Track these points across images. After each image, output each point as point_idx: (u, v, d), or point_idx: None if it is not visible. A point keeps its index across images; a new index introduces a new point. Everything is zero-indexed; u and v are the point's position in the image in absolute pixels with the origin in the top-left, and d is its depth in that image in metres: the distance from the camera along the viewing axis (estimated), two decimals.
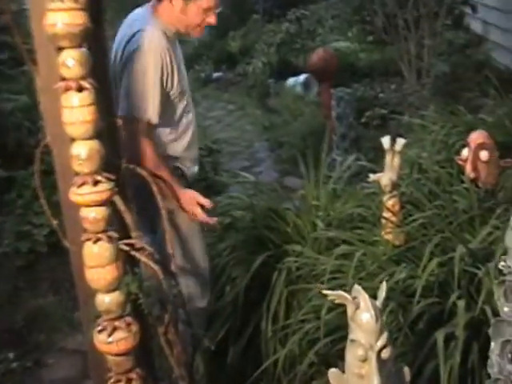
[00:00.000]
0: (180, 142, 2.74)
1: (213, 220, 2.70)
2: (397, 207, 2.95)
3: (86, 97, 1.52)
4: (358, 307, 1.68)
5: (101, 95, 1.67)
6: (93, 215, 1.60)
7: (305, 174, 3.56)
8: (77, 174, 1.58)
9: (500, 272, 1.76)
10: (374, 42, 8.20)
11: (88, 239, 1.63)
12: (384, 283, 1.73)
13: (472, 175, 3.14)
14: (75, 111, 1.52)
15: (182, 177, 2.74)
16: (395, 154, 2.92)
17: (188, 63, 4.05)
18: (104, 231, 1.63)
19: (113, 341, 1.69)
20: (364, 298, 1.68)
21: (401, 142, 2.91)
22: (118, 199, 1.74)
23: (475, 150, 3.16)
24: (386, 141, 2.93)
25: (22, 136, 4.67)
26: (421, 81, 6.77)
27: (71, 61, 1.49)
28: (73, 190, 1.58)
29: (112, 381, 1.74)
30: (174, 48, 2.67)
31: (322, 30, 8.98)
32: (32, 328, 3.77)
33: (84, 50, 1.51)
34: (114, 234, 1.65)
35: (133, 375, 1.76)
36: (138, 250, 1.78)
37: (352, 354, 1.70)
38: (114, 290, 1.67)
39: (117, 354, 1.72)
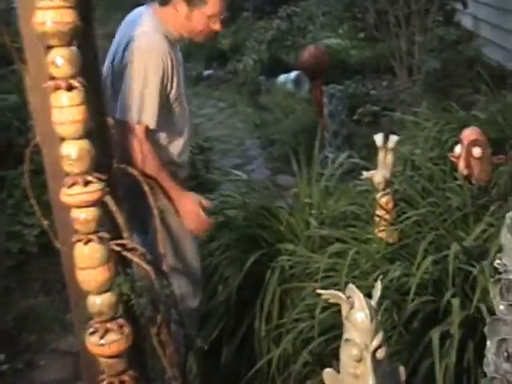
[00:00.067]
0: (175, 145, 2.71)
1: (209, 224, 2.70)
2: (390, 205, 2.94)
3: (76, 96, 1.50)
4: (352, 306, 1.67)
5: (91, 94, 1.66)
6: (84, 216, 1.58)
7: (297, 172, 3.55)
8: (67, 174, 1.56)
9: (495, 270, 1.74)
10: (365, 38, 8.19)
11: (79, 240, 1.61)
12: (379, 282, 1.72)
13: (465, 172, 3.13)
14: (65, 111, 1.50)
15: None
16: (388, 152, 2.91)
17: None
18: (95, 232, 1.61)
19: (105, 343, 1.67)
20: (359, 297, 1.67)
21: (394, 139, 2.89)
22: (109, 199, 1.72)
23: (468, 147, 3.16)
24: (378, 138, 2.92)
25: (12, 135, 4.63)
26: (412, 77, 6.77)
27: (60, 60, 1.47)
28: (63, 191, 1.56)
29: (104, 383, 1.72)
30: (174, 51, 2.64)
31: (313, 27, 8.97)
32: (23, 329, 3.74)
33: (73, 48, 1.49)
34: (106, 235, 1.63)
35: (125, 377, 1.75)
36: (129, 250, 1.77)
37: (347, 354, 1.69)
38: (105, 292, 1.65)
39: (109, 357, 1.70)
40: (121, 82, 2.52)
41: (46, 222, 1.93)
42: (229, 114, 7.58)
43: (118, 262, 1.73)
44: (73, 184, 1.55)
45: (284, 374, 2.72)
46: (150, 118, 2.52)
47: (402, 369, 1.77)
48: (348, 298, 1.69)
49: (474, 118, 4.04)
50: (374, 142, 2.97)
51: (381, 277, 1.87)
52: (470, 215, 2.88)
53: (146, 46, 2.53)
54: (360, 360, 1.66)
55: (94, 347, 1.68)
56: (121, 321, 1.70)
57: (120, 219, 1.80)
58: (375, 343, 1.66)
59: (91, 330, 1.69)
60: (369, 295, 1.67)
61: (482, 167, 3.15)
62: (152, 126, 2.53)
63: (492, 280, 1.73)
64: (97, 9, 7.22)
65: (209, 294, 3.07)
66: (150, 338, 1.87)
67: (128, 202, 1.98)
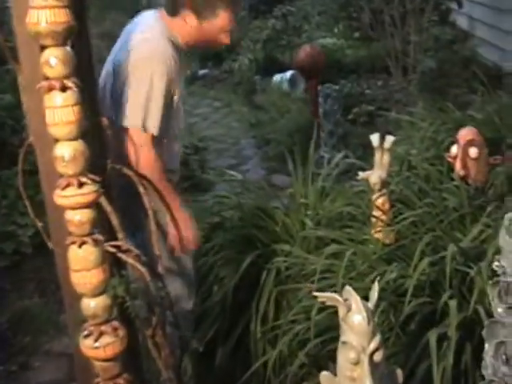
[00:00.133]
0: (171, 151, 2.70)
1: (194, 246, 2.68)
2: (386, 205, 2.93)
3: (70, 96, 1.48)
4: (349, 309, 1.66)
5: (86, 94, 1.64)
6: (78, 218, 1.56)
7: (292, 172, 3.53)
8: (61, 175, 1.54)
9: (494, 272, 1.73)
10: (361, 38, 8.20)
11: (73, 242, 1.59)
12: (376, 284, 1.70)
13: (462, 172, 3.12)
14: (59, 111, 1.49)
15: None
16: (384, 152, 2.89)
17: None
18: (89, 234, 1.59)
19: (99, 346, 1.65)
20: (356, 299, 1.66)
21: (390, 139, 2.88)
22: (103, 200, 1.71)
23: (464, 147, 3.14)
24: (374, 138, 2.90)
25: (6, 135, 4.61)
26: (407, 77, 6.77)
27: (54, 60, 1.45)
28: (57, 193, 1.54)
29: None
30: (178, 57, 2.62)
31: (309, 27, 8.97)
32: (17, 330, 3.71)
33: (67, 48, 1.47)
34: (100, 237, 1.62)
35: (120, 381, 1.73)
36: (124, 251, 1.75)
37: (344, 357, 1.68)
38: (100, 294, 1.64)
39: (104, 360, 1.69)
40: (122, 87, 2.48)
41: (40, 224, 1.92)
42: (224, 113, 7.57)
43: (113, 264, 1.72)
44: (67, 186, 1.54)
45: (280, 375, 2.71)
46: (154, 125, 2.49)
47: (399, 371, 1.76)
48: (345, 300, 1.68)
49: (470, 118, 4.02)
50: (369, 142, 2.96)
51: (378, 278, 1.85)
52: (467, 216, 2.87)
53: (150, 52, 2.49)
54: (357, 363, 1.65)
55: (89, 350, 1.67)
56: (115, 323, 1.68)
57: (114, 220, 1.79)
58: (372, 346, 1.65)
59: (85, 332, 1.68)
60: (366, 297, 1.66)
61: (479, 168, 3.14)
62: (156, 133, 2.50)
63: (490, 282, 1.71)
64: (91, 8, 7.21)
65: (203, 294, 3.05)
66: (145, 340, 1.86)
67: (121, 203, 1.97)
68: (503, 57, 6.65)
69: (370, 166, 3.04)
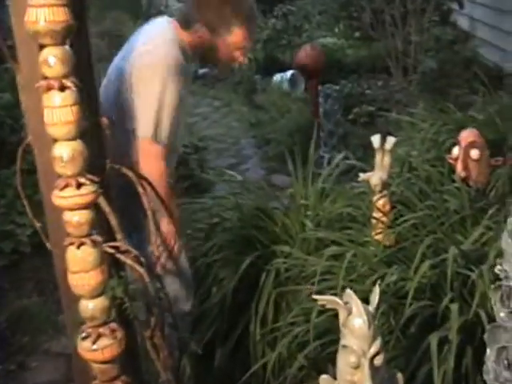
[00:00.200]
0: (170, 160, 2.68)
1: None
2: (387, 207, 2.91)
3: (69, 96, 1.46)
4: (350, 313, 1.64)
5: (85, 94, 1.63)
6: (76, 219, 1.54)
7: (292, 172, 3.51)
8: (59, 176, 1.52)
9: (496, 276, 1.71)
10: (361, 38, 8.19)
11: (71, 243, 1.57)
12: (377, 287, 1.69)
13: (463, 174, 3.10)
14: (57, 111, 1.46)
15: None
16: (385, 153, 2.88)
17: None
18: (88, 235, 1.57)
19: (97, 348, 1.63)
20: (356, 303, 1.64)
21: (391, 140, 2.86)
22: (102, 201, 1.69)
23: (466, 149, 3.13)
24: (375, 140, 2.88)
25: (5, 134, 4.59)
26: (408, 77, 6.76)
27: (53, 59, 1.43)
28: (55, 193, 1.52)
29: None
30: (188, 68, 2.61)
31: (309, 26, 8.95)
32: (16, 329, 3.70)
33: (66, 47, 1.45)
34: (98, 238, 1.60)
35: (118, 383, 1.71)
36: (123, 252, 1.74)
37: (344, 361, 1.67)
38: (98, 296, 1.62)
39: (102, 362, 1.67)
40: (131, 93, 2.46)
41: (38, 224, 1.90)
42: (224, 112, 7.56)
43: (112, 265, 1.71)
44: (65, 186, 1.51)
45: (279, 378, 2.69)
46: (165, 135, 2.48)
47: (399, 375, 1.75)
48: (345, 303, 1.66)
49: (471, 119, 4.01)
50: (369, 142, 2.94)
51: (379, 282, 1.83)
52: (468, 218, 2.85)
53: (163, 61, 2.46)
54: (357, 367, 1.64)
55: (86, 352, 1.65)
56: (113, 325, 1.67)
57: (113, 221, 1.77)
58: (373, 350, 1.63)
59: (83, 334, 1.66)
60: (366, 299, 1.64)
61: (480, 169, 3.12)
62: (165, 143, 2.49)
63: (492, 287, 1.70)
64: (91, 7, 7.19)
65: (202, 295, 3.03)
66: (143, 342, 1.85)
67: (119, 203, 1.95)
68: (504, 57, 6.64)
69: (371, 167, 3.03)
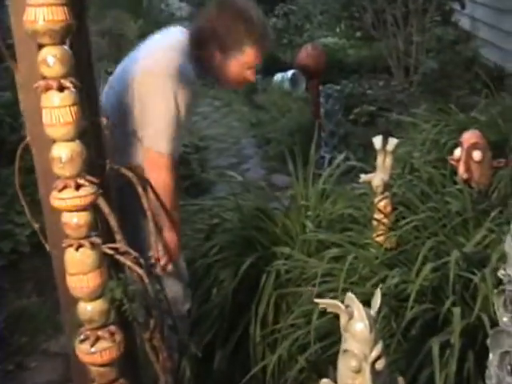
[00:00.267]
0: None
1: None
2: (388, 209, 2.89)
3: (68, 96, 1.45)
4: (351, 317, 1.63)
5: (84, 94, 1.61)
6: (75, 220, 1.53)
7: (293, 172, 3.49)
8: (58, 177, 1.51)
9: (499, 281, 1.70)
10: (363, 37, 8.18)
11: (70, 245, 1.56)
12: (378, 291, 1.67)
13: (465, 176, 3.09)
14: (56, 111, 1.45)
15: None
16: (387, 154, 2.86)
17: None
18: (86, 237, 1.56)
19: (96, 351, 1.62)
20: (358, 307, 1.63)
21: (393, 142, 2.84)
22: (102, 201, 1.68)
23: (468, 150, 3.11)
24: (377, 141, 2.86)
25: (4, 133, 4.57)
26: (409, 78, 6.75)
27: (51, 59, 1.41)
28: (54, 195, 1.51)
29: None
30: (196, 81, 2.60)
31: (310, 26, 8.93)
32: (15, 329, 3.68)
33: (65, 47, 1.43)
34: (97, 240, 1.58)
35: None
36: (122, 253, 1.72)
37: (345, 365, 1.65)
38: (96, 298, 1.61)
39: (100, 365, 1.66)
40: (138, 101, 2.44)
41: (36, 225, 1.89)
42: (224, 112, 7.54)
43: (111, 266, 1.70)
44: (64, 187, 1.50)
45: (279, 380, 2.68)
46: (176, 147, 2.46)
47: (401, 379, 1.73)
48: (346, 307, 1.65)
49: (473, 121, 3.99)
50: (370, 143, 2.92)
51: (380, 284, 1.82)
52: (470, 220, 2.83)
53: (174, 72, 2.44)
54: (359, 371, 1.62)
55: (85, 355, 1.64)
56: (112, 328, 1.65)
57: (113, 222, 1.76)
58: (374, 354, 1.62)
59: (82, 337, 1.64)
60: (367, 302, 1.63)
61: (482, 171, 3.10)
62: (176, 155, 2.48)
63: (496, 291, 1.68)
64: (91, 6, 7.17)
65: (202, 297, 3.01)
66: (142, 344, 1.83)
67: (119, 204, 1.94)
68: (505, 58, 6.63)
69: (372, 168, 3.01)
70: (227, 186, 3.89)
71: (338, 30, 8.78)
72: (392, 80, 7.01)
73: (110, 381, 1.69)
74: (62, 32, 1.41)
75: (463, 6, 7.12)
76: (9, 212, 4.25)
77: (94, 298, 1.60)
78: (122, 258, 1.71)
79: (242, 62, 2.55)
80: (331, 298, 2.50)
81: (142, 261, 1.73)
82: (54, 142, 1.48)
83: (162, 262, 2.44)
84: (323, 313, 2.42)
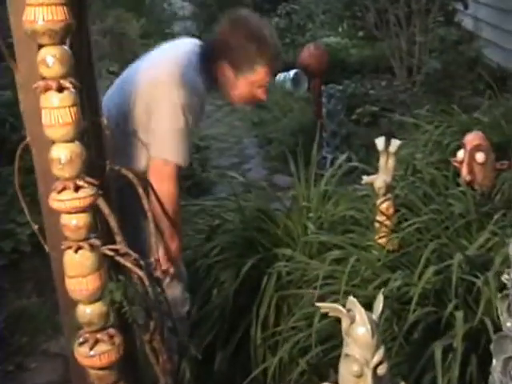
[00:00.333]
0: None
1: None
2: (391, 210, 2.87)
3: (67, 97, 1.43)
4: (353, 321, 1.61)
5: (85, 94, 1.59)
6: (74, 222, 1.51)
7: (294, 173, 3.47)
8: (57, 178, 1.49)
9: (502, 284, 1.68)
10: (365, 37, 8.15)
11: (68, 247, 1.54)
12: (380, 295, 1.66)
13: (468, 178, 3.06)
14: (55, 112, 1.43)
15: None
16: (389, 156, 2.84)
17: None
18: (86, 239, 1.54)
19: (95, 354, 1.60)
20: (360, 311, 1.61)
21: (395, 143, 2.82)
22: (102, 202, 1.66)
23: (471, 152, 3.09)
24: (380, 142, 2.84)
25: (5, 132, 4.56)
26: (412, 78, 6.72)
27: (51, 59, 1.39)
28: (53, 196, 1.49)
29: None
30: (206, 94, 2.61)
31: (313, 25, 8.90)
32: (15, 330, 3.67)
33: (65, 47, 1.42)
34: (97, 242, 1.56)
35: None
36: (122, 255, 1.70)
37: (346, 370, 1.63)
38: (96, 301, 1.59)
39: (99, 368, 1.64)
40: (144, 110, 2.44)
41: (36, 226, 1.87)
42: (226, 112, 7.51)
43: (111, 268, 1.68)
44: (63, 189, 1.48)
45: (280, 383, 2.66)
46: (182, 157, 2.45)
47: None
48: (348, 310, 1.63)
49: (476, 122, 3.97)
50: (372, 143, 2.91)
51: (383, 289, 1.80)
52: (473, 223, 2.81)
53: (184, 84, 2.44)
54: (360, 376, 1.61)
55: (84, 358, 1.62)
56: (111, 331, 1.63)
57: (113, 223, 1.74)
58: (376, 359, 1.60)
59: (81, 340, 1.62)
60: (369, 304, 1.61)
61: (485, 173, 3.08)
62: (184, 164, 2.47)
63: (499, 296, 1.66)
64: (93, 4, 7.16)
65: (202, 297, 3.00)
66: (142, 346, 1.82)
67: (119, 205, 1.93)
68: (508, 58, 6.61)
69: (374, 168, 2.99)
70: (228, 186, 3.87)
71: (340, 29, 8.75)
72: (394, 80, 6.99)
73: None
74: (61, 32, 1.39)
75: (466, 7, 7.09)
76: (10, 211, 4.22)
77: (93, 300, 1.58)
78: (122, 260, 1.69)
79: (252, 80, 2.55)
80: (333, 300, 2.49)
81: (142, 262, 1.72)
82: (54, 143, 1.46)
83: (164, 267, 2.43)
84: (325, 315, 2.39)
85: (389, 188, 2.87)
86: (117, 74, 5.69)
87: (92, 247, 1.54)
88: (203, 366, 2.79)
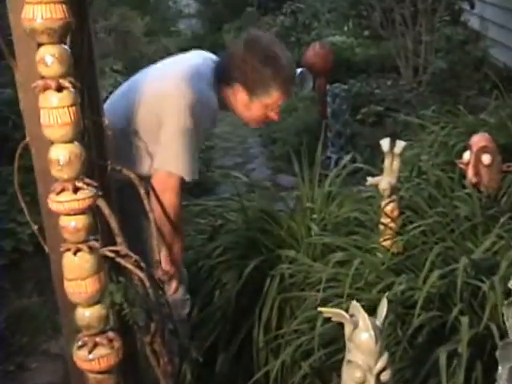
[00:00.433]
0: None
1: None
2: (395, 213, 2.84)
3: (66, 97, 1.40)
4: (356, 326, 1.59)
5: (86, 93, 1.57)
6: (73, 224, 1.48)
7: (298, 173, 3.44)
8: (56, 179, 1.46)
9: (508, 290, 1.65)
10: (371, 36, 8.12)
11: (67, 249, 1.52)
12: (384, 299, 1.63)
13: (474, 180, 3.03)
14: (54, 112, 1.40)
15: None
16: (394, 157, 2.80)
17: None
18: (85, 241, 1.51)
19: (94, 358, 1.58)
20: (363, 316, 1.59)
21: (400, 144, 2.79)
22: (102, 203, 1.64)
23: (477, 154, 3.05)
24: (385, 143, 2.81)
25: (8, 130, 4.53)
26: (417, 77, 6.69)
27: (50, 58, 1.37)
28: (51, 197, 1.46)
29: None
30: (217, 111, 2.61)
31: (318, 24, 8.86)
32: (15, 330, 3.64)
33: (64, 46, 1.39)
34: (96, 244, 1.54)
35: None
36: (123, 256, 1.68)
37: (349, 376, 1.62)
38: (95, 304, 1.56)
39: (98, 372, 1.61)
40: (161, 130, 2.43)
41: (35, 227, 1.85)
42: None
43: (111, 269, 1.66)
44: (62, 190, 1.45)
45: None
46: (189, 171, 2.44)
47: None
48: (351, 316, 1.60)
49: (482, 123, 3.93)
50: (377, 143, 2.87)
51: (387, 294, 1.77)
52: (479, 226, 2.78)
53: (197, 99, 2.43)
54: (363, 382, 1.58)
55: (83, 362, 1.59)
56: (111, 334, 1.61)
57: (113, 223, 1.71)
58: (379, 366, 1.58)
59: (79, 343, 1.60)
60: (373, 308, 1.59)
61: (492, 175, 3.04)
62: (188, 178, 2.45)
63: (505, 302, 1.63)
64: (97, 2, 7.13)
65: (204, 298, 2.97)
66: (143, 348, 1.79)
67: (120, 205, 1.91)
68: None
69: (378, 169, 2.96)
70: (232, 186, 3.84)
71: (345, 28, 8.72)
72: (400, 80, 6.95)
73: None
74: (60, 30, 1.36)
75: (472, 6, 7.06)
76: (11, 210, 4.19)
77: (92, 303, 1.56)
78: (122, 261, 1.66)
79: (267, 104, 2.56)
80: (336, 303, 2.47)
81: (142, 264, 1.69)
82: (52, 143, 1.44)
83: (166, 269, 2.42)
84: (328, 319, 2.36)
85: (393, 190, 2.84)
86: (121, 73, 5.70)
87: (91, 249, 1.52)
88: (205, 368, 2.76)
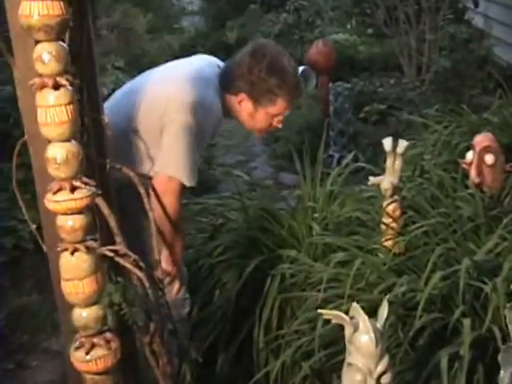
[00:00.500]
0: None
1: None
2: (397, 213, 2.82)
3: (63, 95, 1.38)
4: (356, 329, 1.57)
5: (85, 91, 1.55)
6: (70, 224, 1.47)
7: (300, 172, 3.43)
8: (53, 178, 1.45)
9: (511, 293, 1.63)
10: (374, 34, 8.11)
11: (65, 249, 1.50)
12: (385, 301, 1.61)
13: (477, 180, 3.00)
14: (51, 110, 1.39)
15: None
16: (397, 157, 2.78)
17: (183, 53, 3.90)
18: (82, 241, 1.50)
19: (91, 359, 1.57)
20: (363, 318, 1.57)
21: (403, 144, 2.77)
22: (101, 202, 1.62)
23: (480, 154, 3.03)
24: (387, 143, 2.79)
25: (9, 127, 4.50)
26: (421, 76, 6.67)
27: (47, 55, 1.35)
28: (48, 197, 1.45)
29: None
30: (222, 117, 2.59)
31: (321, 22, 8.85)
32: (15, 328, 3.64)
33: (61, 43, 1.37)
34: (93, 244, 1.52)
35: None
36: (122, 256, 1.67)
37: (349, 379, 1.60)
38: (92, 305, 1.55)
39: (95, 373, 1.60)
40: (163, 134, 2.42)
41: (34, 226, 1.84)
42: None
43: (110, 269, 1.64)
44: (59, 189, 1.44)
45: None
46: (188, 176, 2.42)
47: None
48: (351, 318, 1.58)
49: (485, 122, 3.90)
50: (380, 142, 2.86)
51: (388, 295, 1.75)
52: (482, 226, 2.75)
53: (201, 104, 2.42)
54: None
55: (80, 363, 1.58)
56: (108, 335, 1.60)
57: (112, 223, 1.70)
58: (380, 369, 1.57)
59: (77, 344, 1.59)
60: (374, 309, 1.57)
61: (495, 175, 3.02)
62: (189, 184, 2.44)
63: (508, 305, 1.61)
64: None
65: (204, 298, 2.95)
66: (142, 348, 1.78)
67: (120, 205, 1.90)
68: None
69: (381, 169, 2.94)
70: (233, 184, 3.83)
71: (349, 26, 8.70)
72: (403, 78, 6.94)
73: None
74: (57, 27, 1.34)
75: (476, 4, 7.03)
76: (12, 208, 4.18)
77: (89, 304, 1.54)
78: (121, 261, 1.65)
79: (272, 112, 2.54)
80: (337, 304, 2.45)
81: (142, 264, 1.68)
82: (49, 142, 1.42)
83: (166, 268, 2.41)
84: (328, 320, 2.35)
85: (396, 189, 2.82)
86: (123, 70, 5.68)
87: (89, 249, 1.51)
88: (205, 368, 2.75)
